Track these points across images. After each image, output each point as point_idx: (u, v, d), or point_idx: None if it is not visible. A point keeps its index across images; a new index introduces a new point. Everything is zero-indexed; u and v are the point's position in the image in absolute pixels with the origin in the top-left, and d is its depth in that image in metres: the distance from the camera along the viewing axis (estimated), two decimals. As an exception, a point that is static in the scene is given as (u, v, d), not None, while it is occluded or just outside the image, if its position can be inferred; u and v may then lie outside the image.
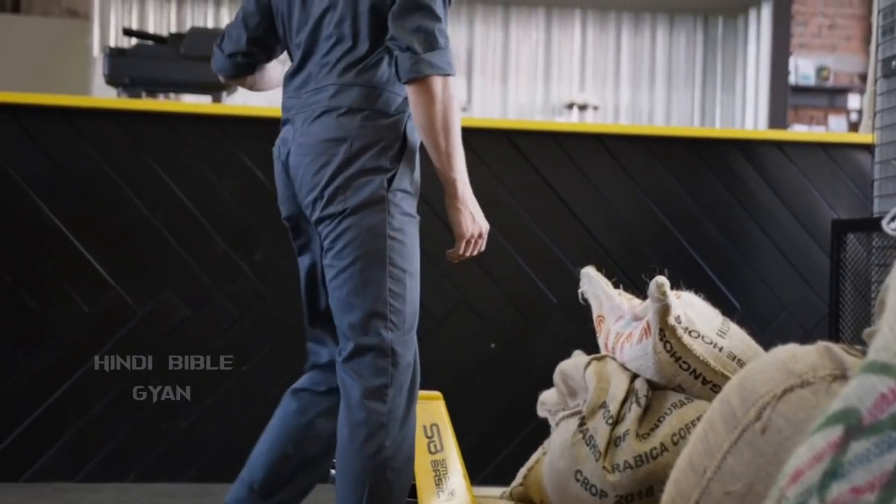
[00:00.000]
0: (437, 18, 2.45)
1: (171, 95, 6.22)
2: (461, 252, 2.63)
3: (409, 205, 2.56)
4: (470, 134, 4.41)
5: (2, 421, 4.10)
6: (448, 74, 2.45)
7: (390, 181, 2.50)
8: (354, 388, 2.50)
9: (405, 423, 2.51)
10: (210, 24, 7.91)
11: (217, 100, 4.44)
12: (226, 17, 7.95)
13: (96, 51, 7.83)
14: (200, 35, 4.42)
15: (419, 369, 2.61)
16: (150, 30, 7.92)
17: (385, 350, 2.51)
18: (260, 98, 5.80)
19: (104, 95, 7.07)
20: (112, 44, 7.83)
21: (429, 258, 4.41)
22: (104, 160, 4.16)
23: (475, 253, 2.65)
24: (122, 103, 4.25)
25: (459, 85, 8.08)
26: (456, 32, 8.27)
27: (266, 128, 4.25)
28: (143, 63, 4.35)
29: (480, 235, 2.62)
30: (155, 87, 4.49)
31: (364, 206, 2.49)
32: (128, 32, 4.64)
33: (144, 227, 4.16)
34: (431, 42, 2.43)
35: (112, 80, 4.39)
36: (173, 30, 7.97)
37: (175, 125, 4.21)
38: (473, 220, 2.59)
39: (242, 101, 5.44)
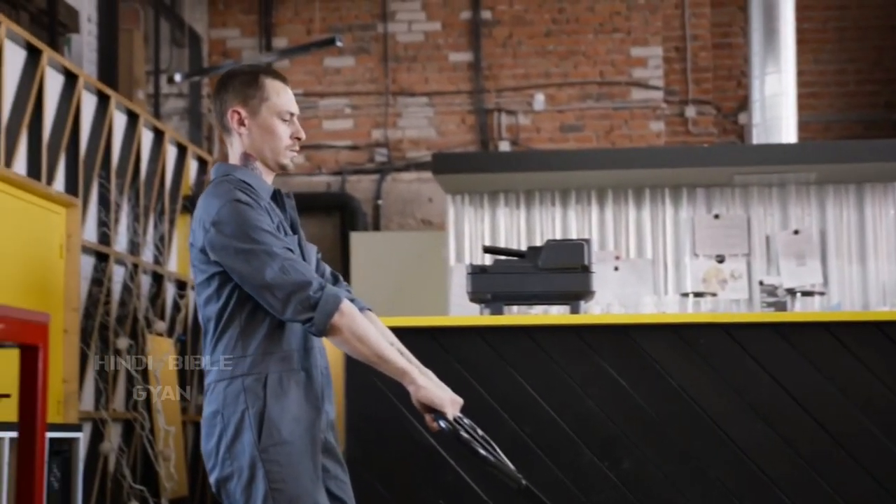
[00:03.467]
0: (290, 285, 2.80)
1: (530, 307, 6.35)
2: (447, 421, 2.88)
3: (287, 454, 2.86)
4: (837, 327, 4.23)
5: None
6: (335, 311, 2.81)
7: (259, 438, 2.84)
8: None
9: None
10: (559, 231, 8.10)
11: (575, 310, 4.49)
12: (573, 223, 8.13)
13: (452, 260, 8.17)
14: (557, 247, 4.52)
15: None
16: (502, 234, 8.21)
17: None
18: (617, 306, 5.85)
19: (461, 304, 7.34)
20: (467, 252, 8.16)
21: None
22: (471, 376, 4.27)
23: (457, 415, 2.91)
24: (486, 320, 4.39)
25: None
26: (806, 215, 8.06)
27: (625, 335, 4.25)
28: (503, 278, 4.49)
29: (454, 401, 2.91)
30: (516, 301, 4.62)
31: (243, 469, 2.85)
32: (487, 250, 4.82)
33: (514, 440, 4.21)
34: (305, 303, 2.81)
35: (475, 297, 4.55)
36: (523, 233, 8.22)
37: (537, 337, 4.29)
38: (443, 390, 2.91)
39: (600, 310, 5.49)
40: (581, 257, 4.48)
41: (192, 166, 9.02)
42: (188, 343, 8.52)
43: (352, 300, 3.08)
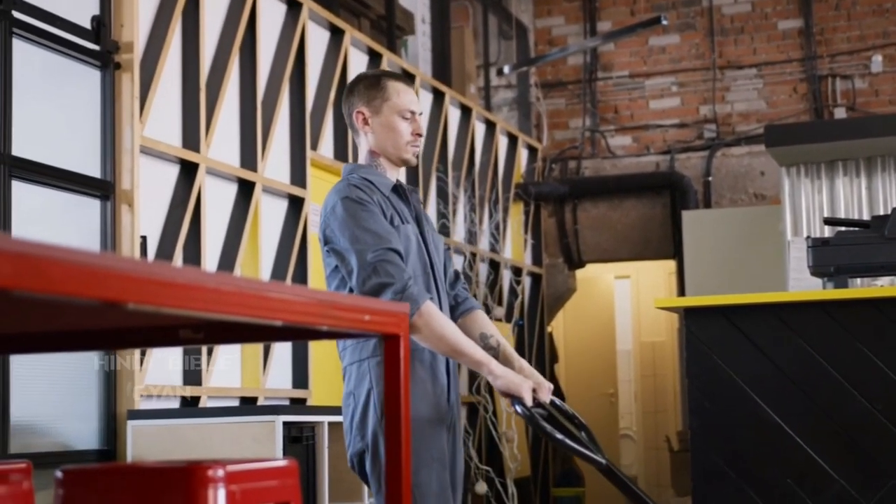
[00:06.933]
0: (375, 285, 2.96)
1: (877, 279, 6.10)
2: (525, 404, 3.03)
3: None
4: None
5: None
6: (414, 312, 2.94)
7: (381, 415, 2.98)
8: None
9: None
10: (906, 198, 7.71)
11: (927, 280, 4.28)
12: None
13: (789, 234, 7.94)
14: (904, 216, 4.32)
15: None
16: (841, 204, 7.91)
17: None
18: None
19: (801, 278, 7.12)
20: (804, 225, 7.91)
21: None
22: (817, 353, 4.16)
23: (547, 400, 3.12)
24: (831, 294, 4.26)
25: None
26: None
27: None
28: (847, 250, 4.34)
29: (539, 386, 3.10)
30: (861, 273, 4.45)
31: (368, 444, 3.04)
32: (828, 222, 4.67)
33: (864, 417, 4.07)
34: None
35: (817, 270, 4.42)
36: (864, 203, 7.88)
37: (886, 309, 4.12)
38: (524, 378, 3.08)
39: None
40: (932, 224, 4.26)
41: (523, 155, 9.22)
42: (525, 327, 8.73)
43: (464, 299, 3.35)
